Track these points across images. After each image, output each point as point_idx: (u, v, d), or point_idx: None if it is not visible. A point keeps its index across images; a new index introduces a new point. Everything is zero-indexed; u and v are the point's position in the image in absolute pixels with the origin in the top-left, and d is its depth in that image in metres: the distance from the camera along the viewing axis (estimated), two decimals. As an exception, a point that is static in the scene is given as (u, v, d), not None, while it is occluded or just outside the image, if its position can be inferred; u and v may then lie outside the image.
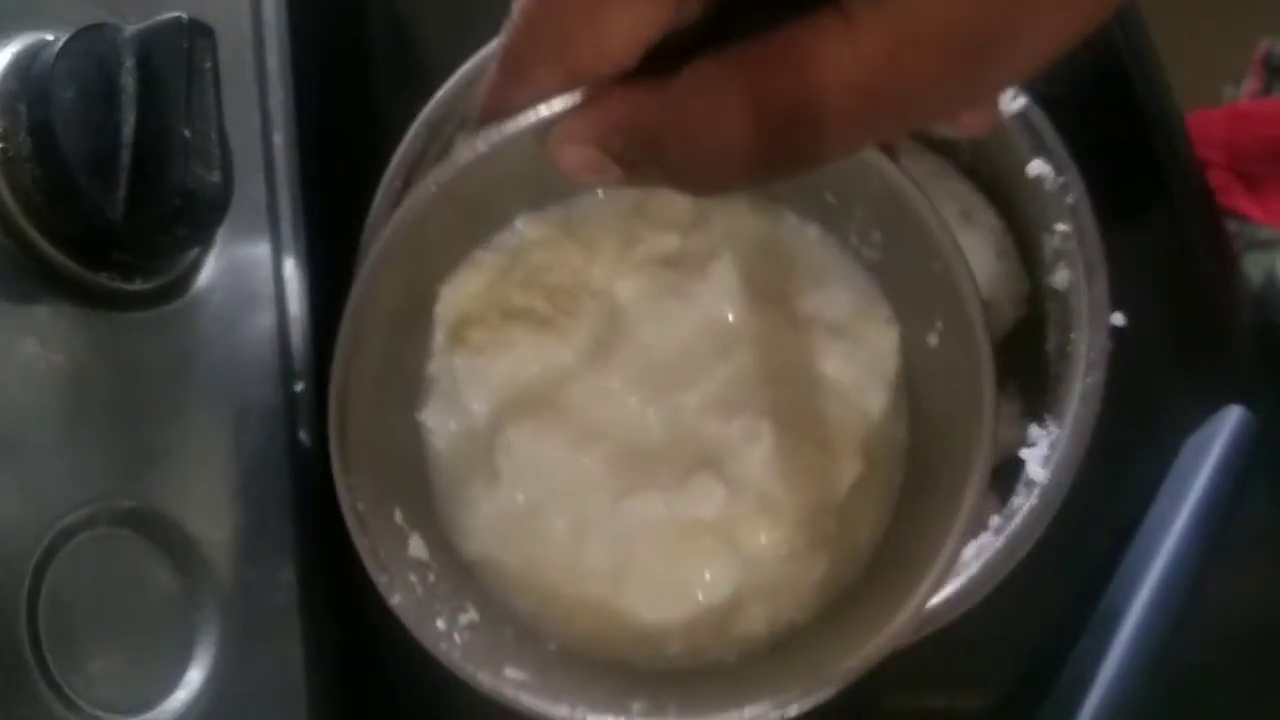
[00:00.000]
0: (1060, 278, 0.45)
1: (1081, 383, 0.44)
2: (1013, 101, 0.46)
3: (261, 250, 0.43)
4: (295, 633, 0.41)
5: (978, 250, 0.48)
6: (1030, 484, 0.44)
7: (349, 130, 0.51)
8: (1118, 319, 0.45)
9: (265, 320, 0.43)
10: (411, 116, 0.48)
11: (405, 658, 0.47)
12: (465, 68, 0.47)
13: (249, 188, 0.42)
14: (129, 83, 0.35)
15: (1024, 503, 0.44)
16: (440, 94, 0.47)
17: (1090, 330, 0.44)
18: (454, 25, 0.53)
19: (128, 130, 0.35)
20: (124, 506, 0.36)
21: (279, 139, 0.45)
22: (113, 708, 0.34)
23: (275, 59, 0.46)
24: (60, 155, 0.34)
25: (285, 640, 0.40)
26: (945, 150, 0.50)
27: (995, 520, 0.45)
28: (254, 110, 0.44)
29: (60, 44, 0.35)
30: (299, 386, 0.44)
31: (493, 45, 0.47)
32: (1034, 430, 0.46)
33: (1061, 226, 0.45)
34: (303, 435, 0.43)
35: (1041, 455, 0.45)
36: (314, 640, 0.41)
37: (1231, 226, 0.58)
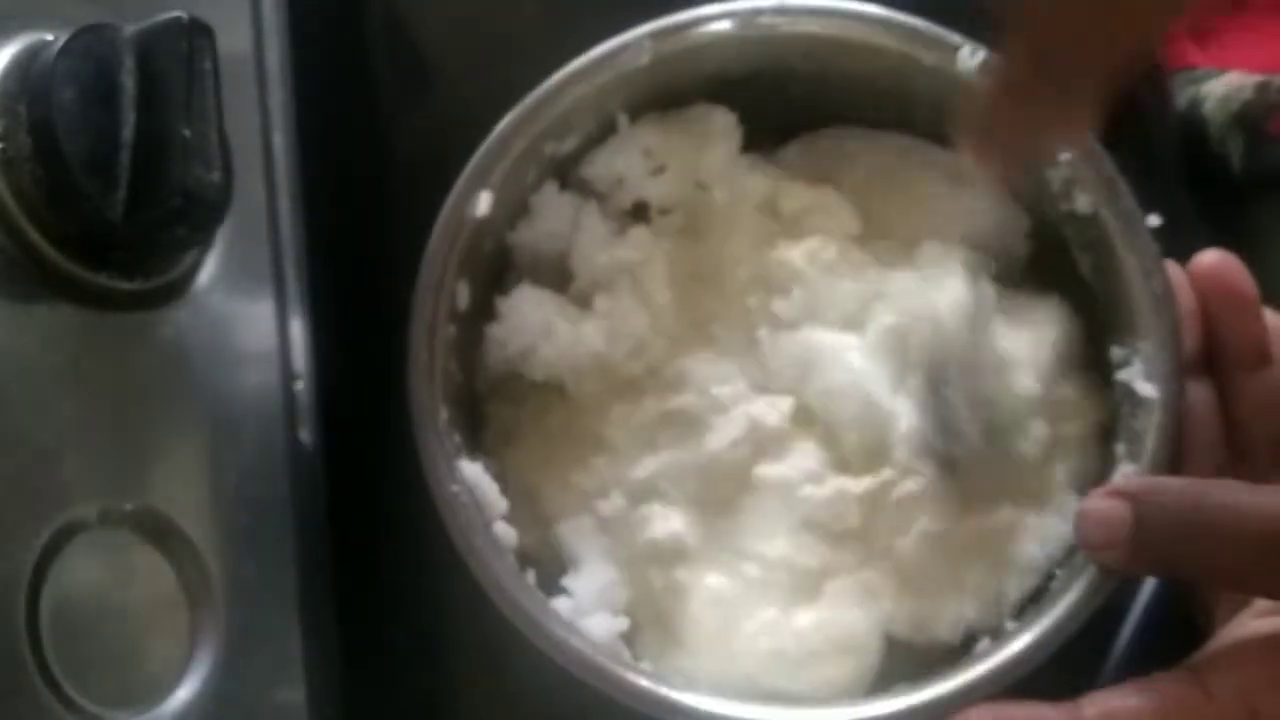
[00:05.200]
0: (1082, 202, 0.44)
1: (1148, 293, 0.43)
2: (973, 56, 0.45)
3: (261, 250, 0.43)
4: (295, 633, 0.40)
5: (976, 206, 0.47)
6: (1141, 403, 0.43)
7: (349, 130, 0.51)
8: (1154, 220, 0.44)
9: (265, 320, 0.43)
10: (412, 116, 0.48)
11: (405, 658, 0.47)
12: (552, 81, 0.45)
13: (249, 188, 0.42)
14: (129, 83, 0.35)
15: (1148, 423, 0.42)
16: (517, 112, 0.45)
17: (1133, 239, 0.43)
18: (455, 25, 0.53)
19: (128, 130, 0.35)
20: (124, 506, 0.36)
21: (279, 139, 0.45)
22: (113, 708, 0.34)
23: (275, 59, 0.46)
24: (60, 155, 0.34)
25: (285, 640, 0.40)
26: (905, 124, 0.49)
27: (1128, 468, 0.43)
28: (254, 110, 0.44)
29: (60, 44, 0.35)
30: (299, 386, 0.44)
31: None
32: (1116, 351, 0.45)
33: (1066, 155, 0.45)
34: (303, 435, 0.43)
35: (1142, 370, 0.43)
36: (314, 640, 0.41)
37: (1180, 80, 0.59)
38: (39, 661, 0.33)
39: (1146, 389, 0.43)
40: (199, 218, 0.37)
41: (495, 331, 0.46)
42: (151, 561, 0.37)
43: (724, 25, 0.45)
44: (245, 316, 0.42)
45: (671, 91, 0.47)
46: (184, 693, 0.36)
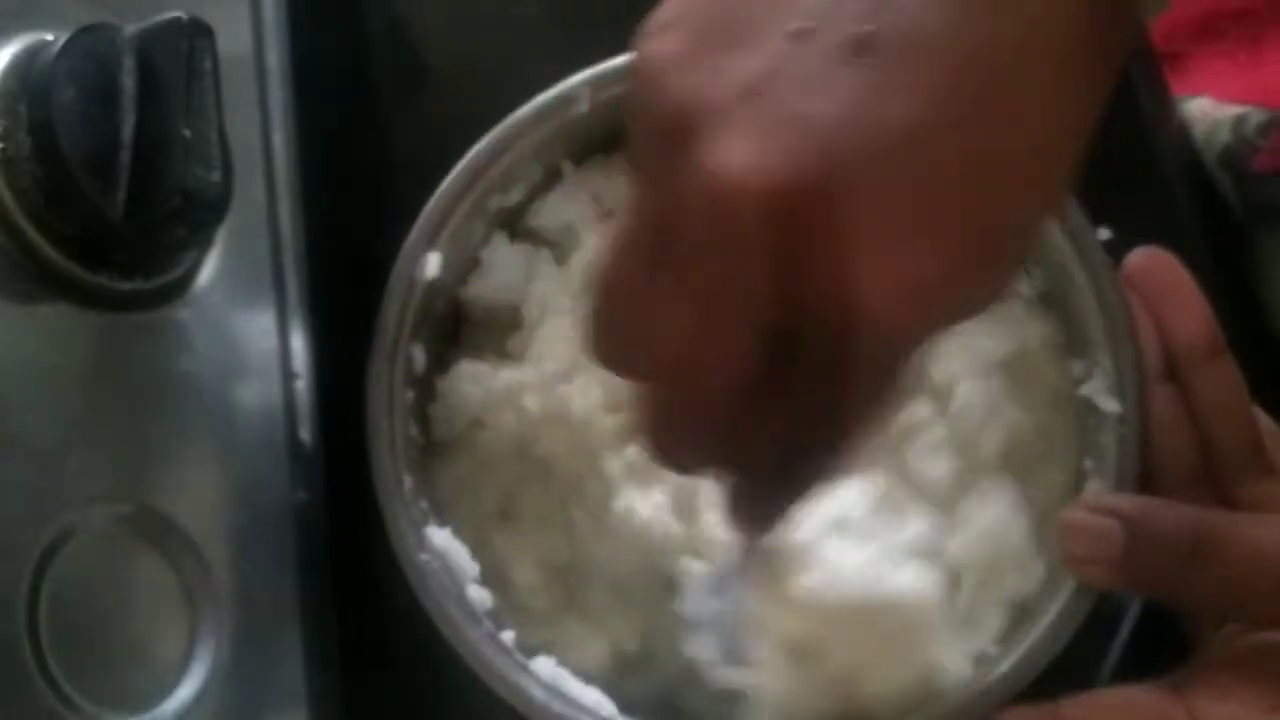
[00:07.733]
0: None
1: (1102, 306, 0.42)
2: None
3: (261, 250, 0.43)
4: (295, 633, 0.41)
5: None
6: (1104, 418, 0.42)
7: (349, 130, 0.51)
8: (1104, 234, 0.44)
9: (265, 320, 0.43)
10: (412, 116, 0.48)
11: (405, 658, 0.47)
12: (492, 136, 0.45)
13: (249, 188, 0.42)
14: (129, 83, 0.35)
15: (1111, 438, 0.42)
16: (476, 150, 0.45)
17: (1084, 254, 0.43)
18: (454, 25, 0.54)
19: (128, 130, 0.35)
20: (124, 506, 0.36)
21: (279, 139, 0.45)
22: (113, 708, 0.34)
23: (275, 59, 0.46)
24: (60, 155, 0.34)
25: (285, 640, 0.40)
26: None
27: (1096, 484, 0.42)
28: (254, 110, 0.44)
29: (60, 44, 0.35)
30: (299, 386, 0.44)
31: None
32: (1076, 365, 0.44)
33: None
34: (303, 435, 0.43)
35: (1103, 385, 0.43)
36: (314, 640, 0.41)
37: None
38: (39, 661, 0.33)
39: (1108, 403, 0.42)
40: (199, 218, 0.37)
41: (437, 411, 0.45)
42: (151, 561, 0.37)
43: None
44: (245, 316, 0.42)
45: (616, 135, 0.46)
46: (184, 693, 0.36)
